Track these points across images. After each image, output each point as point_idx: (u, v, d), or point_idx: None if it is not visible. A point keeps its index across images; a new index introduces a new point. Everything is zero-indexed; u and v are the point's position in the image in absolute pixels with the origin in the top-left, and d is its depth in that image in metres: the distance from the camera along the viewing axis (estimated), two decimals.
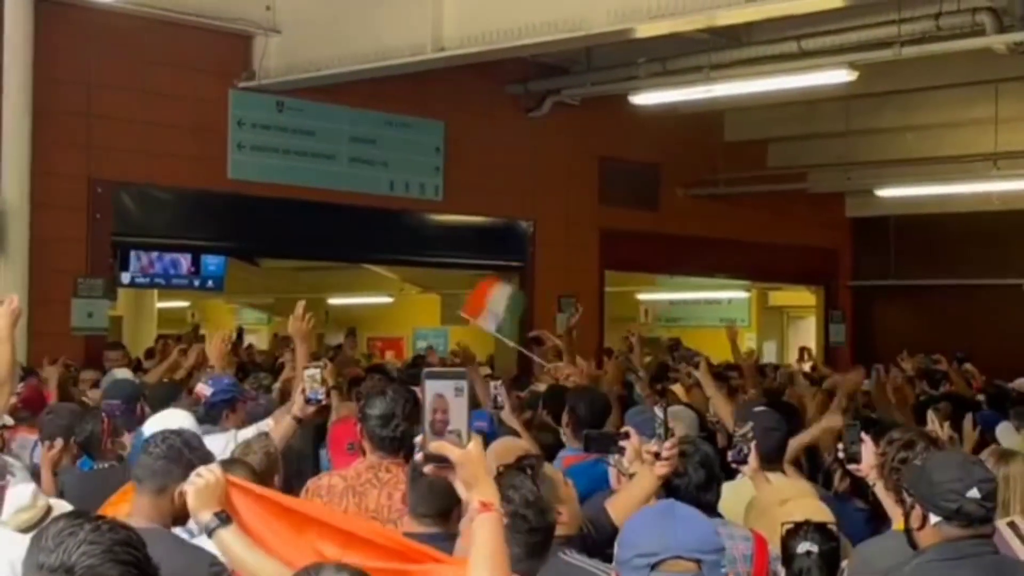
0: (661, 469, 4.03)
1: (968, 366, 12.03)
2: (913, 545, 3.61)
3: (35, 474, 5.54)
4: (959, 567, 3.49)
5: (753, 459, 4.83)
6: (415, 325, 21.60)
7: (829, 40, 10.99)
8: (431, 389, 2.48)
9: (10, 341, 4.96)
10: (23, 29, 9.97)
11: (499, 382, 6.58)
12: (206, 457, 3.83)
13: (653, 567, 2.94)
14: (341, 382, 8.34)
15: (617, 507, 4.02)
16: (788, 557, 4.04)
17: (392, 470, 4.68)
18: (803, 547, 4.01)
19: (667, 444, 4.02)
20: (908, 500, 3.65)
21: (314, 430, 6.69)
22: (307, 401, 5.34)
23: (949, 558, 3.51)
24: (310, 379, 5.34)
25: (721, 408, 6.94)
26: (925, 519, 3.57)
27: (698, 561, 2.98)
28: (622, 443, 4.53)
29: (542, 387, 8.68)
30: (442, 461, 2.50)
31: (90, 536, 1.94)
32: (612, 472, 4.68)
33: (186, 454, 3.83)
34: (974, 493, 3.49)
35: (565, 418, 6.30)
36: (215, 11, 10.96)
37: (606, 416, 6.27)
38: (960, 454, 4.05)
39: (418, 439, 2.53)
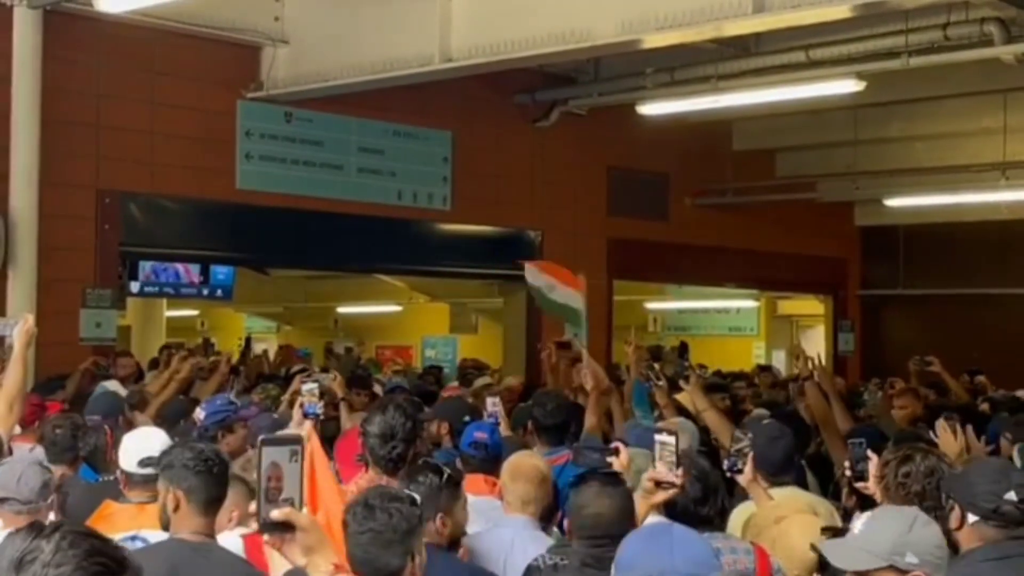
0: (659, 497, 4.03)
1: (981, 379, 11.99)
2: (952, 546, 3.65)
3: None
4: (1006, 567, 3.60)
5: (748, 470, 4.82)
6: (424, 334, 21.62)
7: (837, 50, 10.98)
8: (267, 457, 2.45)
9: (23, 360, 5.08)
10: (32, 40, 10.00)
11: (496, 398, 6.54)
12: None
13: None
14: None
15: None
16: (824, 565, 3.98)
17: (392, 487, 4.68)
18: None
19: (679, 471, 4.02)
20: (948, 502, 3.82)
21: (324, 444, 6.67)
22: (305, 415, 5.34)
23: (994, 558, 3.62)
24: (308, 393, 5.36)
25: (713, 423, 6.87)
26: (963, 519, 3.73)
27: None
28: (609, 459, 4.52)
29: None
30: (281, 529, 2.48)
31: (56, 558, 1.85)
32: None
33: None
34: (1011, 495, 3.66)
35: (529, 424, 6.47)
36: (223, 22, 10.99)
37: (567, 419, 6.35)
38: (998, 460, 4.20)
39: (252, 506, 2.50)
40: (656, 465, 4.11)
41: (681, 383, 7.29)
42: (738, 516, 4.87)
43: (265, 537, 2.51)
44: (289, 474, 2.46)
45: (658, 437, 4.19)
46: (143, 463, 4.62)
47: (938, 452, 4.68)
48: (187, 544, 3.83)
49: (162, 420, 6.87)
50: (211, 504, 3.94)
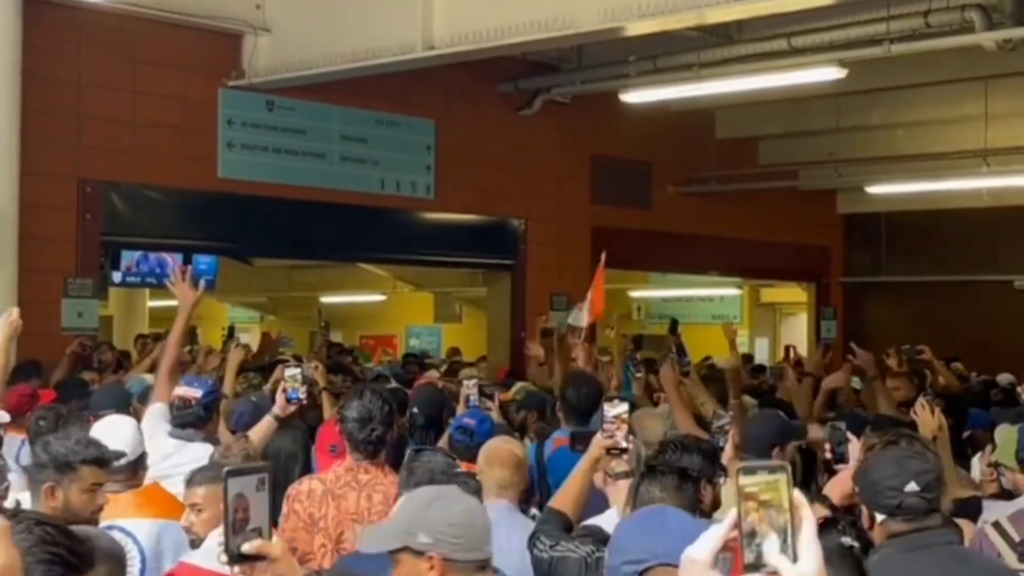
0: (611, 464, 4.07)
1: (957, 365, 12.05)
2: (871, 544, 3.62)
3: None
4: (914, 558, 3.50)
5: (729, 448, 4.87)
6: (408, 323, 21.62)
7: (819, 37, 11.01)
8: (232, 488, 2.45)
9: (6, 352, 5.17)
10: (11, 28, 9.93)
11: (472, 381, 6.54)
12: None
13: (641, 574, 2.88)
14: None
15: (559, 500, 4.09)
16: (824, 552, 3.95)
17: (371, 471, 4.70)
18: (846, 541, 3.95)
19: (631, 438, 4.14)
20: (860, 501, 3.70)
21: (305, 432, 6.68)
22: (288, 400, 5.38)
23: (903, 550, 3.52)
24: (291, 379, 5.40)
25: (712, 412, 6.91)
26: (872, 518, 3.61)
27: None
28: None
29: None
30: (251, 560, 2.48)
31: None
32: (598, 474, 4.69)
33: None
34: (912, 486, 3.51)
35: (558, 404, 6.48)
36: (205, 10, 10.95)
37: (596, 402, 6.37)
38: (898, 450, 4.00)
39: (219, 537, 2.50)
40: (603, 433, 4.19)
41: (682, 379, 7.32)
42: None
43: (235, 569, 2.50)
44: (256, 504, 2.46)
45: (607, 406, 4.28)
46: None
47: (924, 438, 4.70)
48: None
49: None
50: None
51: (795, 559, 1.83)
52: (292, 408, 5.50)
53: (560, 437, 6.13)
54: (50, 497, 4.01)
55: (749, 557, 1.83)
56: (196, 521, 4.23)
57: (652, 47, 11.75)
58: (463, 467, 5.31)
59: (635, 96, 12.69)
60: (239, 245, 13.72)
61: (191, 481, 4.37)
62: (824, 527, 3.89)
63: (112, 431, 4.68)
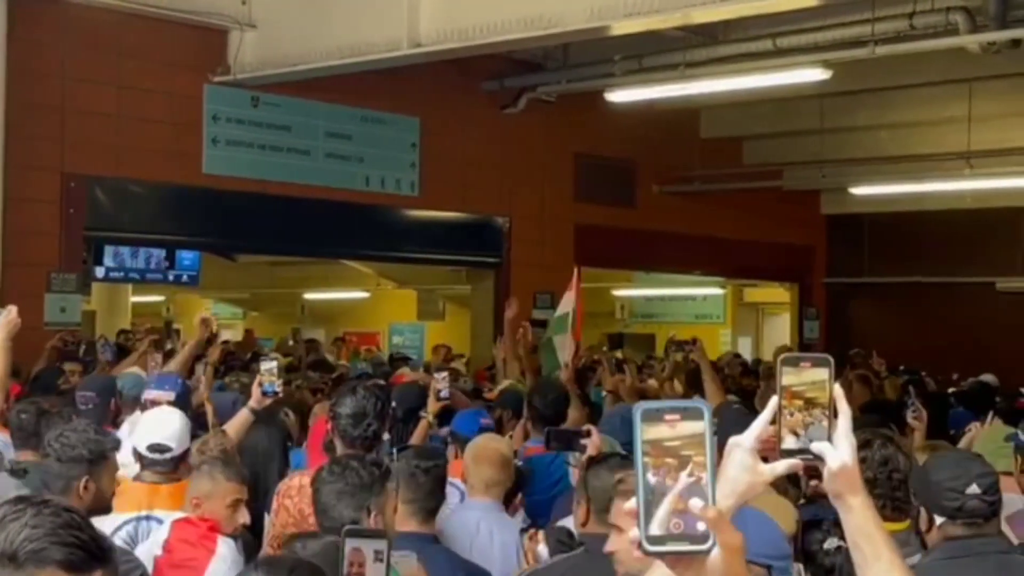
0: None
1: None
2: (925, 547, 3.59)
3: None
4: (964, 566, 3.45)
5: None
6: (391, 320, 21.60)
7: (804, 38, 11.03)
8: (350, 544, 2.55)
9: (6, 350, 5.16)
10: None
11: (443, 375, 6.46)
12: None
13: None
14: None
15: None
16: (809, 553, 3.93)
17: None
18: (831, 543, 3.87)
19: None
20: (915, 503, 3.64)
21: (281, 430, 6.66)
22: (264, 393, 5.40)
23: (953, 556, 3.47)
24: (267, 372, 5.41)
25: (714, 397, 6.96)
26: (931, 521, 3.54)
27: (768, 567, 2.99)
28: (583, 441, 4.56)
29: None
30: None
31: (32, 520, 1.89)
32: (572, 472, 4.72)
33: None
34: (974, 489, 3.45)
35: (525, 412, 6.43)
36: (190, 5, 10.92)
37: (564, 409, 6.38)
38: (957, 452, 4.00)
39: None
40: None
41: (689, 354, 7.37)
42: None
43: None
44: (372, 572, 2.56)
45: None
46: (151, 448, 4.63)
47: (897, 441, 4.73)
48: None
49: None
50: (48, 487, 4.12)
51: (834, 447, 1.91)
52: (268, 401, 5.53)
53: (532, 447, 6.03)
54: (84, 491, 4.09)
55: (789, 443, 1.88)
56: (195, 515, 4.30)
57: (638, 47, 11.77)
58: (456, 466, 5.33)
59: (620, 95, 12.70)
60: (223, 241, 13.72)
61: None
62: (807, 528, 3.91)
63: (158, 423, 4.71)
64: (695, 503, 1.59)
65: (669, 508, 1.59)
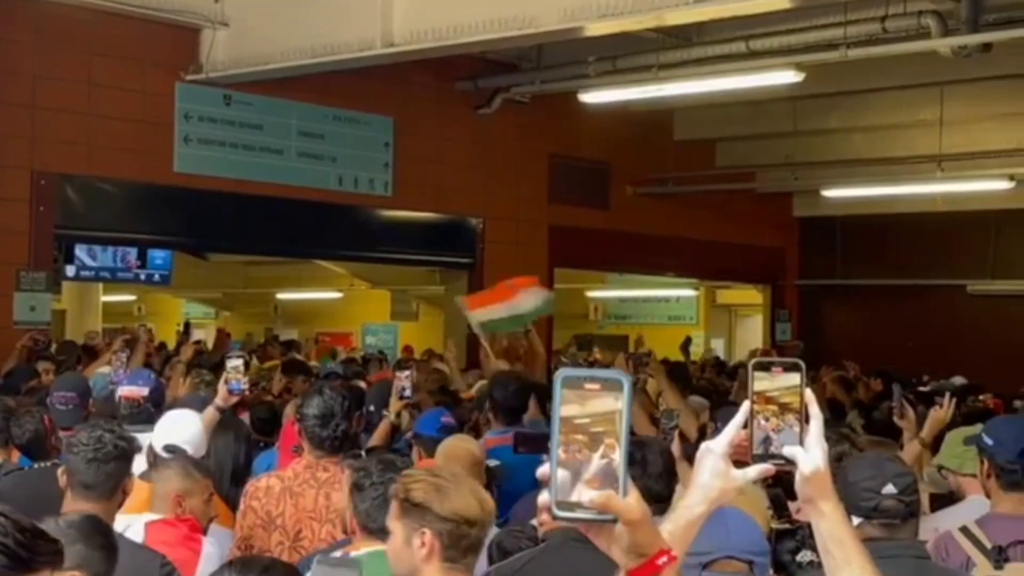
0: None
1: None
2: None
3: None
4: (882, 566, 3.44)
5: (675, 447, 4.95)
6: (364, 321, 21.55)
7: (777, 41, 11.06)
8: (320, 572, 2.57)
9: None
10: None
11: (407, 372, 6.43)
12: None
13: (705, 566, 2.98)
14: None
15: None
16: (780, 563, 3.89)
17: (330, 469, 4.69)
18: (804, 556, 3.83)
19: None
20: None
21: (243, 431, 6.61)
22: (230, 391, 5.37)
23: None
24: (233, 369, 5.38)
25: (674, 403, 6.95)
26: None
27: (750, 563, 3.05)
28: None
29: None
30: None
31: None
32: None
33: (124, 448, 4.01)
34: (890, 488, 3.40)
35: (487, 403, 6.48)
36: (162, 3, 10.86)
37: (524, 400, 6.39)
38: (874, 453, 3.94)
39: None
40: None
41: (642, 370, 7.40)
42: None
43: None
44: None
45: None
46: (167, 449, 4.63)
47: (853, 439, 4.75)
48: None
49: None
50: (91, 488, 3.99)
51: (806, 451, 1.95)
52: (234, 399, 5.50)
53: (492, 438, 6.08)
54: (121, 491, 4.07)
55: (759, 449, 1.92)
56: (175, 514, 4.28)
57: (612, 48, 11.78)
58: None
59: (594, 96, 12.71)
60: (195, 240, 13.65)
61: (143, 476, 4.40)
62: (781, 537, 3.91)
63: (175, 426, 4.68)
64: (588, 494, 1.62)
65: (580, 482, 1.63)
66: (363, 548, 3.50)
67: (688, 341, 12.13)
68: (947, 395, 6.21)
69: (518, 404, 6.34)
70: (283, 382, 9.30)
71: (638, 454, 4.02)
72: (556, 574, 3.60)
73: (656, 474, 4.12)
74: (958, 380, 11.59)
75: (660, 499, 4.21)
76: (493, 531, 4.57)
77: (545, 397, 7.15)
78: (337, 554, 3.04)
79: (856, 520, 3.44)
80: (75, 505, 3.85)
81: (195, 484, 4.27)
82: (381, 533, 3.36)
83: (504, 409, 6.35)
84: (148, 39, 11.29)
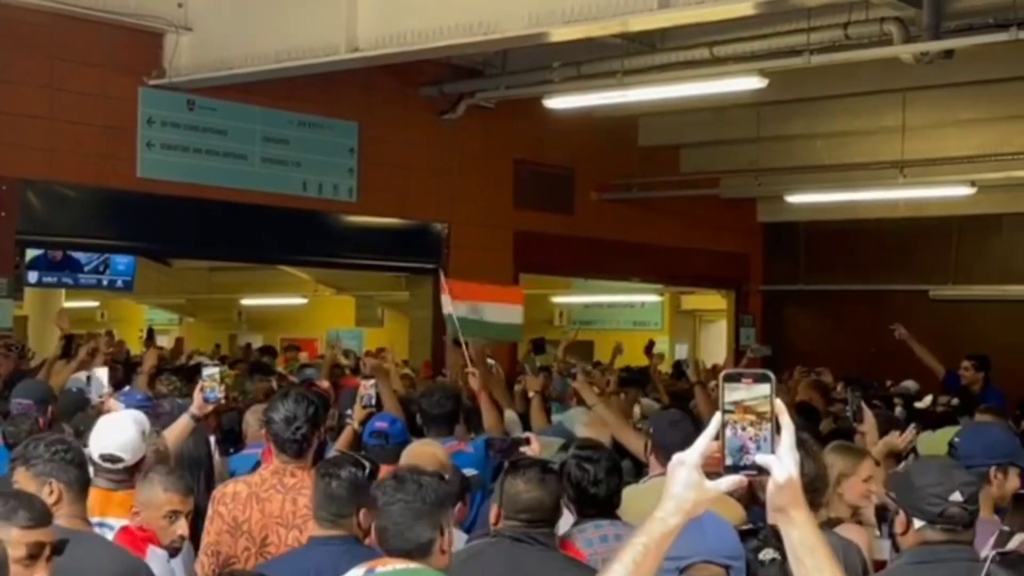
0: None
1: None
2: (897, 550, 3.65)
3: None
4: (931, 570, 3.50)
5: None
6: (329, 327, 21.47)
7: (740, 47, 11.13)
8: None
9: None
10: None
11: (372, 381, 6.41)
12: None
13: (682, 571, 3.01)
14: None
15: None
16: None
17: (297, 475, 4.68)
18: (766, 554, 3.93)
19: None
20: (892, 506, 3.69)
21: (207, 439, 6.58)
22: (205, 400, 5.36)
23: (922, 561, 3.52)
24: (209, 378, 5.37)
25: (607, 415, 6.94)
26: (908, 524, 3.59)
27: (727, 567, 3.08)
28: (523, 449, 4.60)
29: None
30: None
31: None
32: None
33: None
34: (957, 496, 3.52)
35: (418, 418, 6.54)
36: (125, 7, 10.80)
37: (453, 409, 6.42)
38: (940, 459, 4.09)
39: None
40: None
41: (570, 381, 7.46)
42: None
43: None
44: None
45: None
46: (104, 458, 4.55)
47: (808, 442, 4.80)
48: (67, 531, 3.78)
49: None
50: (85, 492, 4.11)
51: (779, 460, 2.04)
52: (209, 408, 5.49)
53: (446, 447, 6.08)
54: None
55: (730, 460, 2.01)
56: (134, 523, 4.26)
57: (576, 53, 11.80)
58: (383, 471, 5.31)
59: (559, 102, 12.74)
60: (158, 246, 13.58)
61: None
62: (744, 536, 3.95)
63: (111, 432, 4.61)
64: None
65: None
66: (390, 565, 3.48)
67: (652, 344, 12.17)
68: (910, 427, 6.21)
69: (443, 412, 6.34)
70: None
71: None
72: (500, 565, 3.84)
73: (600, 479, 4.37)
74: (911, 384, 11.69)
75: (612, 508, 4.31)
76: (464, 537, 4.58)
77: (475, 415, 7.20)
78: (361, 571, 2.99)
79: (918, 523, 3.54)
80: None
81: (153, 497, 4.22)
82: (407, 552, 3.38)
83: (431, 418, 6.37)
84: (111, 43, 11.21)
